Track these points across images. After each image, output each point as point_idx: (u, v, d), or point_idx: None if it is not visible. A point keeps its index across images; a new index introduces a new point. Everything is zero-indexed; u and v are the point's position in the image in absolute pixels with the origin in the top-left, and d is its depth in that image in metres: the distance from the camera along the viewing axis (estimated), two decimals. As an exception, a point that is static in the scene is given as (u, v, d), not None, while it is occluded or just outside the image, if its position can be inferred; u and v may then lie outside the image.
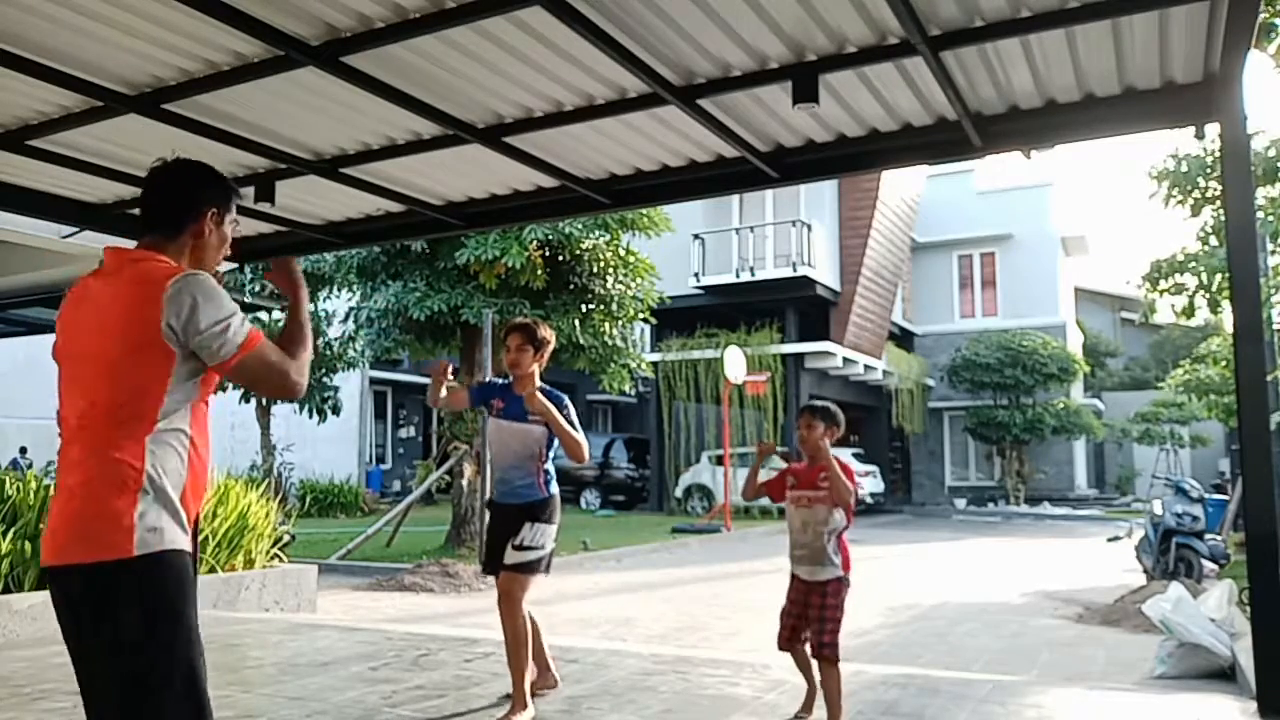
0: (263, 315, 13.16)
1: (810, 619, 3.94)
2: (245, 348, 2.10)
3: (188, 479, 2.12)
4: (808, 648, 4.01)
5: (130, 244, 2.25)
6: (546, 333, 4.41)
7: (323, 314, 15.18)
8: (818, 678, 4.01)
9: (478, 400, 4.52)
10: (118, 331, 2.06)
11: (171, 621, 2.03)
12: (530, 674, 4.44)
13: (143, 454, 2.04)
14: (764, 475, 4.23)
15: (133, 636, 1.99)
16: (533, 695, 4.39)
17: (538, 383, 4.26)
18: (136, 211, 6.23)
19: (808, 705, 4.13)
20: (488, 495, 5.59)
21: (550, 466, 4.35)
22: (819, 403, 4.15)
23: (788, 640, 4.05)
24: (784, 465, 4.27)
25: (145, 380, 2.06)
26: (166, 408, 2.08)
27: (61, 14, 3.69)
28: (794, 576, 4.04)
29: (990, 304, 29.06)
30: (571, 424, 4.22)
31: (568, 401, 4.29)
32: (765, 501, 4.27)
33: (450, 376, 4.45)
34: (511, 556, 4.19)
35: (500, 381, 4.49)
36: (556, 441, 4.30)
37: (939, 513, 25.03)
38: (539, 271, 11.91)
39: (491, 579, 4.41)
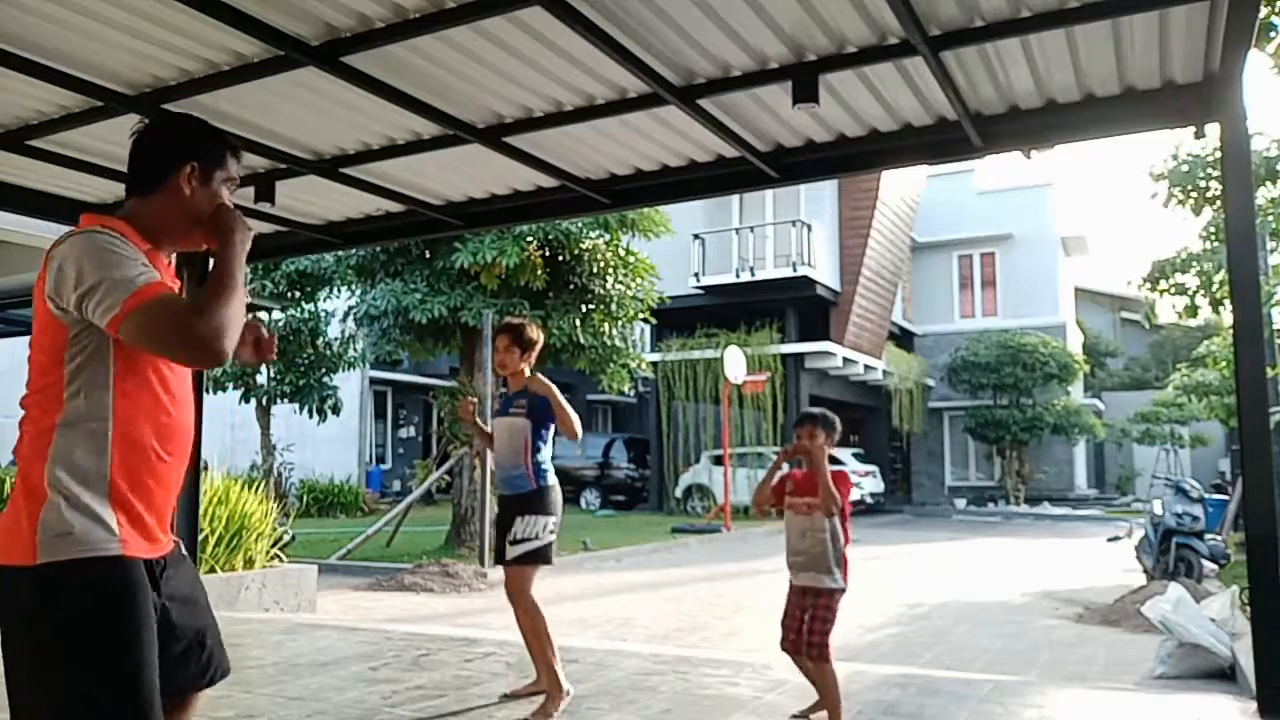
0: (262, 315, 13.15)
1: (804, 620, 3.93)
2: (133, 301, 1.72)
3: (114, 472, 1.81)
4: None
5: None
6: (534, 333, 4.51)
7: (323, 314, 15.18)
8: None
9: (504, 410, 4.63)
10: (35, 311, 1.87)
11: (80, 649, 1.72)
12: (530, 679, 4.47)
13: (47, 447, 1.79)
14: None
15: (26, 658, 1.74)
16: (521, 698, 4.41)
17: (528, 376, 4.41)
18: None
19: (817, 707, 4.12)
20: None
21: (544, 458, 4.41)
22: (819, 410, 4.15)
23: (792, 643, 4.02)
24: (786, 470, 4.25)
25: (47, 361, 1.82)
26: (71, 393, 1.80)
27: (61, 14, 3.69)
28: (791, 584, 4.02)
29: (990, 304, 29.06)
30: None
31: (553, 387, 4.43)
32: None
33: (472, 412, 4.64)
34: (508, 552, 4.31)
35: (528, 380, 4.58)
36: (550, 434, 4.41)
37: (939, 513, 25.02)
38: (539, 271, 11.91)
39: (493, 578, 4.46)
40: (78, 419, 1.80)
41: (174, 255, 2.08)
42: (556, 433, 4.44)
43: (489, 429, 4.72)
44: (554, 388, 4.33)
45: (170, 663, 1.90)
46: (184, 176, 1.95)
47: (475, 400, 4.73)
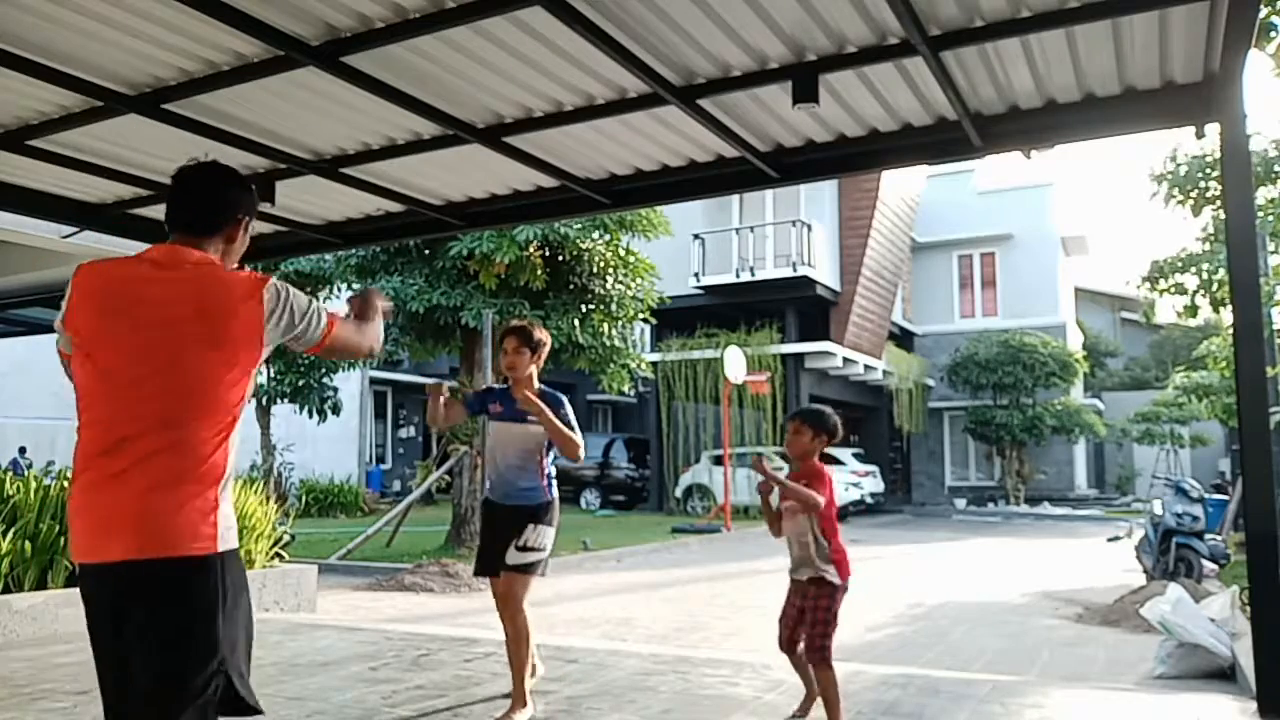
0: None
1: (803, 621, 3.93)
2: (329, 329, 2.29)
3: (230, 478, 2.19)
4: (802, 650, 3.99)
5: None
6: (542, 335, 4.42)
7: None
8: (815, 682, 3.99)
9: (475, 409, 4.52)
10: (207, 331, 2.08)
11: (246, 620, 2.13)
12: (529, 679, 4.44)
13: (229, 450, 2.12)
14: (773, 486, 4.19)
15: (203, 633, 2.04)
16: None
17: (536, 384, 4.27)
18: (139, 211, 6.26)
19: (804, 708, 4.12)
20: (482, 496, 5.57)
21: (552, 469, 4.35)
22: (809, 407, 4.12)
23: (788, 642, 4.03)
24: (785, 469, 4.22)
25: (229, 378, 2.11)
26: (243, 404, 2.17)
27: (61, 14, 3.69)
28: (792, 581, 4.03)
29: (990, 304, 29.05)
30: (569, 425, 4.18)
31: (566, 401, 4.29)
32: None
33: (447, 393, 4.39)
34: (515, 557, 4.17)
35: (498, 387, 4.47)
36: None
37: (939, 513, 25.02)
38: (538, 272, 11.91)
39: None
40: (237, 427, 2.16)
41: None
42: (556, 457, 4.33)
43: (459, 411, 4.53)
44: (541, 404, 4.10)
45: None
46: (240, 226, 2.30)
47: (444, 384, 4.51)
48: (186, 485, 2.03)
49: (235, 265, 2.35)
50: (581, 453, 4.20)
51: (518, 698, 4.14)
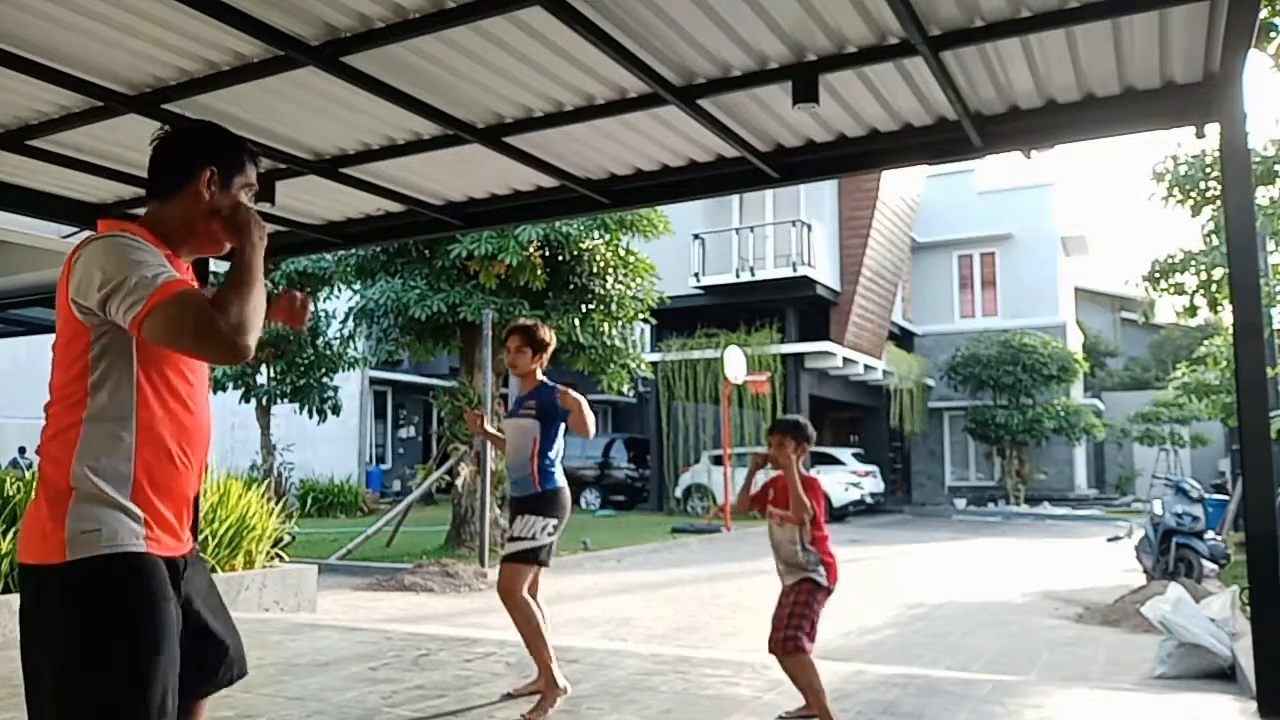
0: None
1: (781, 615, 3.93)
2: (155, 298, 1.73)
3: (138, 470, 1.83)
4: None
5: None
6: (546, 334, 4.45)
7: (322, 314, 15.18)
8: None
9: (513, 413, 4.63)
10: (58, 314, 1.89)
11: (105, 639, 1.75)
12: (530, 678, 4.46)
13: (72, 445, 1.80)
14: (757, 484, 4.20)
15: (60, 650, 1.75)
16: (522, 697, 4.41)
17: (540, 378, 4.41)
18: (139, 211, 6.26)
19: (801, 710, 4.12)
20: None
21: (552, 459, 4.41)
22: (790, 418, 4.14)
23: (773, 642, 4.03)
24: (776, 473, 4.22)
25: (69, 362, 1.84)
26: (94, 392, 1.82)
27: (62, 14, 3.69)
28: (783, 584, 4.05)
29: (990, 304, 29.06)
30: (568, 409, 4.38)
31: (558, 389, 4.42)
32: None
33: (482, 422, 4.66)
34: (506, 547, 4.34)
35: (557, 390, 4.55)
36: (558, 434, 4.41)
37: (939, 513, 25.02)
38: (538, 271, 11.91)
39: (493, 578, 4.47)
40: (101, 418, 1.82)
41: (192, 259, 2.10)
42: (568, 430, 4.43)
43: (499, 432, 4.69)
44: (578, 397, 4.36)
45: (193, 660, 1.93)
46: (204, 181, 1.97)
47: (481, 412, 4.72)
48: (43, 485, 1.83)
49: (239, 229, 1.94)
50: (591, 430, 4.36)
51: (548, 682, 4.22)
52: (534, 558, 4.28)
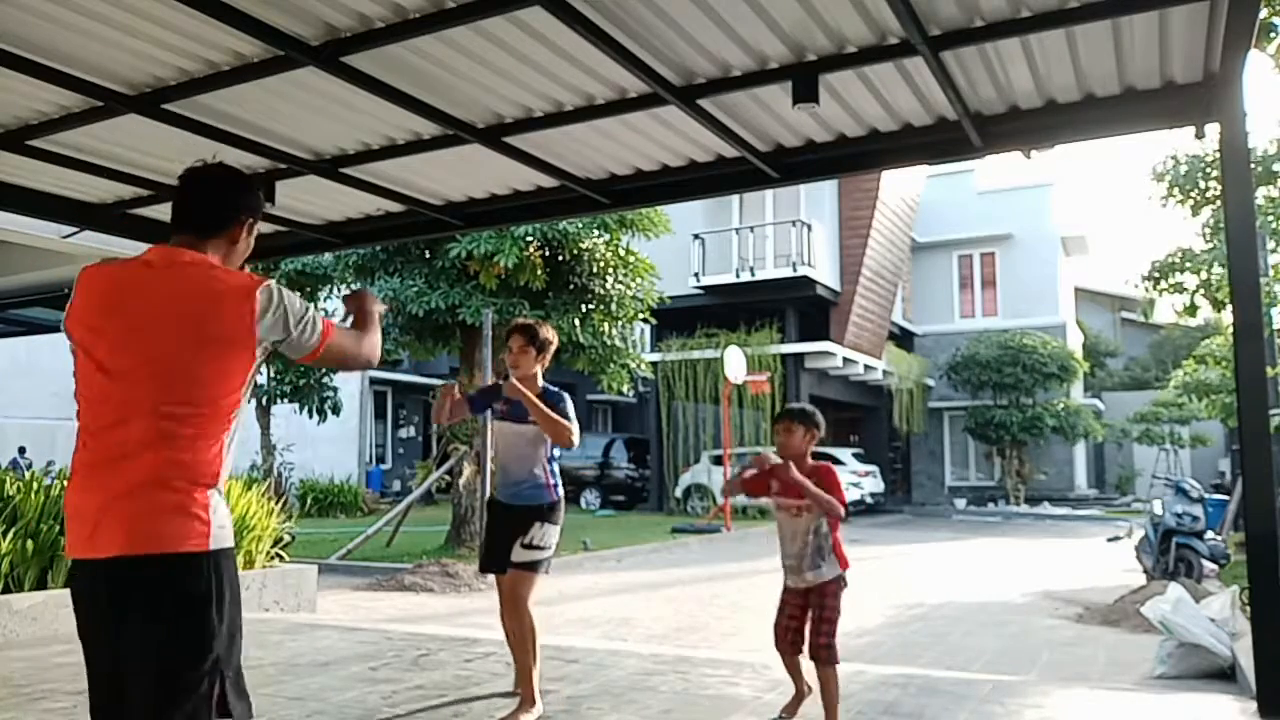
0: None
1: (810, 620, 3.90)
2: (325, 336, 2.29)
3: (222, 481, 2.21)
4: (805, 650, 3.95)
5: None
6: (549, 334, 4.38)
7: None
8: (814, 683, 3.92)
9: (480, 407, 4.52)
10: (196, 330, 2.09)
11: (236, 614, 2.13)
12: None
13: (221, 452, 2.12)
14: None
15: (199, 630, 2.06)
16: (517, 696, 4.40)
17: (540, 383, 4.27)
18: (139, 211, 6.26)
19: (792, 708, 4.10)
20: (488, 495, 5.58)
21: (556, 467, 4.36)
22: (797, 406, 4.09)
23: (789, 644, 3.99)
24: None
25: (229, 375, 2.12)
26: (240, 408, 2.17)
27: (62, 14, 3.69)
28: (788, 586, 3.98)
29: (990, 304, 29.06)
30: (566, 416, 4.16)
31: (567, 398, 4.29)
32: (765, 501, 4.17)
33: (458, 393, 4.37)
34: (520, 555, 4.17)
35: (503, 384, 4.47)
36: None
37: (939, 513, 25.02)
38: (538, 271, 11.90)
39: (491, 579, 4.41)
40: (232, 431, 2.16)
41: None
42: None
43: (463, 408, 4.45)
44: (526, 392, 4.11)
45: None
46: (244, 227, 2.30)
47: (454, 385, 4.49)
48: (177, 482, 2.04)
49: (240, 266, 2.33)
50: (575, 439, 4.18)
51: (527, 697, 4.15)
52: (546, 566, 4.24)
